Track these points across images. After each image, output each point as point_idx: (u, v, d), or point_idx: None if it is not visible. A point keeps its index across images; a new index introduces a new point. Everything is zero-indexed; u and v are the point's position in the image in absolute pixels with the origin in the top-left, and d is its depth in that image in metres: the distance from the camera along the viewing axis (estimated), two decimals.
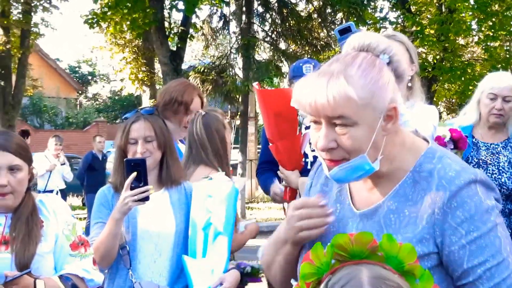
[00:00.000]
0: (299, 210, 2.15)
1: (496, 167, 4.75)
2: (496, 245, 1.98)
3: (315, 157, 5.29)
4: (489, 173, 4.70)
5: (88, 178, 14.78)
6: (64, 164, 14.29)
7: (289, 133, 4.66)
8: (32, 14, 22.56)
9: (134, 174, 3.74)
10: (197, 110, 4.85)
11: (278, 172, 4.88)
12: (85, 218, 15.59)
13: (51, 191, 12.81)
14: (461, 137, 4.52)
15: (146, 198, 3.75)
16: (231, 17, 24.18)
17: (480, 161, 4.78)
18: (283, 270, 2.32)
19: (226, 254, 3.79)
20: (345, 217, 2.23)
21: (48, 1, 22.74)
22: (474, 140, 4.95)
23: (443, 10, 22.02)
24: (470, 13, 22.25)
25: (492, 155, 4.79)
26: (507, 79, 5.00)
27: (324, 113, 2.02)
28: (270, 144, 4.78)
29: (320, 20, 23.99)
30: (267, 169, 5.37)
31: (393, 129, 2.10)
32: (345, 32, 2.25)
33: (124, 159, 3.86)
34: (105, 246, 3.78)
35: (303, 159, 5.27)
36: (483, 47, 23.56)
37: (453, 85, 23.95)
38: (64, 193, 14.34)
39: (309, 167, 5.19)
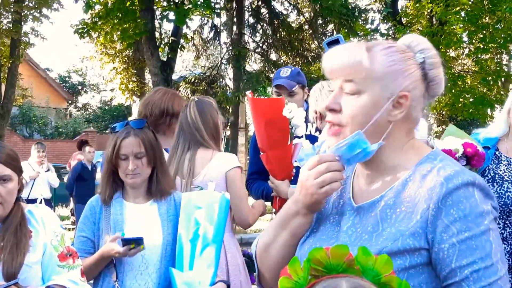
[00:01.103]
0: (316, 167, 2.14)
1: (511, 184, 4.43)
2: (487, 249, 1.96)
3: (297, 168, 5.31)
4: (503, 189, 4.43)
5: (77, 188, 14.72)
6: (48, 170, 14.22)
7: (280, 143, 4.66)
8: (22, 23, 22.56)
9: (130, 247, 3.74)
10: None
11: (268, 181, 4.87)
12: (73, 228, 15.49)
13: (35, 200, 12.68)
14: (476, 153, 4.31)
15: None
16: (222, 28, 24.26)
17: (496, 175, 4.47)
18: (287, 246, 2.31)
19: (213, 267, 3.74)
20: (344, 210, 2.25)
21: (38, 11, 22.74)
22: (497, 153, 4.62)
23: (434, 22, 22.18)
24: (461, 25, 22.42)
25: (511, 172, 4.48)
26: None
27: (338, 74, 2.14)
28: (261, 154, 4.76)
29: (311, 31, 24.09)
30: (257, 179, 5.38)
31: (399, 118, 2.12)
32: (334, 44, 2.26)
33: (122, 240, 3.78)
34: (88, 273, 3.79)
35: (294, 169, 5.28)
36: (474, 59, 23.75)
37: (443, 97, 24.03)
38: (49, 202, 14.24)
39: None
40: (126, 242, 3.71)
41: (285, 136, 4.72)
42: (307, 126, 5.30)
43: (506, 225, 4.41)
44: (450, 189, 1.99)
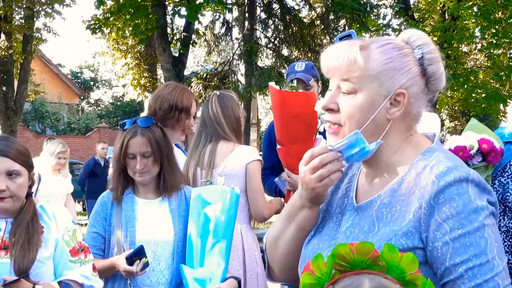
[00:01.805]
0: (310, 162, 2.14)
1: None
2: (481, 245, 1.94)
3: None
4: None
5: (89, 184, 14.76)
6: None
7: (304, 137, 4.63)
8: (35, 19, 22.64)
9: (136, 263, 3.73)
10: (195, 112, 4.89)
11: (283, 174, 4.87)
12: (86, 224, 15.51)
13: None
14: (492, 150, 4.09)
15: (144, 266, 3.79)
16: (233, 23, 24.25)
17: None
18: (294, 239, 2.30)
19: (224, 263, 3.73)
20: (346, 210, 2.25)
21: (50, 7, 22.81)
22: None
23: (446, 17, 22.10)
24: (473, 20, 22.32)
25: None
26: None
27: (334, 73, 2.13)
28: (279, 146, 4.76)
29: (323, 26, 24.03)
30: (270, 175, 5.38)
31: (397, 116, 2.11)
32: (347, 39, 2.24)
33: (126, 258, 3.76)
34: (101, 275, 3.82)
35: None
36: (486, 55, 23.64)
37: (456, 92, 23.98)
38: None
39: None
40: (130, 260, 3.71)
41: (311, 131, 4.72)
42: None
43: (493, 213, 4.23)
44: (441, 186, 1.98)
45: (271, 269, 2.42)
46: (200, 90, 22.92)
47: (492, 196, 2.06)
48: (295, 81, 5.56)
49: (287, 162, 4.81)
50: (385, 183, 2.16)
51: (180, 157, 4.87)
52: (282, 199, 5.08)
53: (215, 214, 3.80)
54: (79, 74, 58.61)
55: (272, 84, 4.80)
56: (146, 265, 3.73)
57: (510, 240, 4.09)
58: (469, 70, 23.20)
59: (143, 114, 4.56)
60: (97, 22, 19.26)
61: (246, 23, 22.34)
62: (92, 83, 58.96)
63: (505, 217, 4.08)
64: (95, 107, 57.48)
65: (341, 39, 2.27)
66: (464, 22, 22.13)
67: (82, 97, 52.97)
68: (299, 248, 2.28)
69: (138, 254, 3.72)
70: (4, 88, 21.83)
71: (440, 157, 2.09)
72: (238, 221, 4.65)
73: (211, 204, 3.82)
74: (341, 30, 23.75)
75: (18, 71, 22.69)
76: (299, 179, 2.20)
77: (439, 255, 1.98)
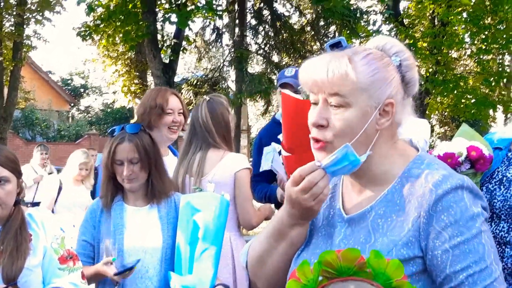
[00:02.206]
0: (300, 183, 2.11)
1: None
2: (480, 251, 1.96)
3: None
4: (509, 193, 4.11)
5: None
6: (51, 173, 14.10)
7: None
8: (25, 26, 22.56)
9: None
10: (178, 108, 4.89)
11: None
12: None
13: (39, 203, 12.59)
14: (481, 157, 4.13)
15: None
16: (224, 30, 24.27)
17: (504, 178, 4.15)
18: (286, 256, 2.27)
19: (213, 270, 3.72)
20: (335, 222, 2.23)
21: (40, 14, 22.75)
22: (509, 154, 4.29)
23: (436, 23, 22.15)
24: (463, 26, 22.41)
25: None
26: None
27: (322, 88, 2.07)
28: (286, 154, 4.71)
29: (313, 32, 24.09)
30: (260, 181, 5.40)
31: (386, 126, 2.11)
32: (336, 46, 2.24)
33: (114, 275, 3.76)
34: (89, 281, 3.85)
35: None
36: (476, 60, 23.71)
37: (445, 98, 24.03)
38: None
39: None
40: (120, 272, 3.72)
41: None
42: None
43: (510, 229, 4.17)
44: (439, 195, 1.99)
45: (254, 284, 2.40)
46: (191, 96, 22.93)
47: (484, 201, 2.08)
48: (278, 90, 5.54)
49: (295, 168, 4.80)
50: (376, 193, 2.15)
51: (173, 163, 4.88)
52: (273, 205, 5.08)
53: (204, 221, 3.77)
54: (69, 81, 58.48)
55: (285, 91, 4.76)
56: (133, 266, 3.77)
57: (497, 247, 4.02)
58: (458, 75, 23.26)
59: (133, 121, 4.57)
60: (87, 29, 19.25)
61: (237, 29, 22.35)
62: (82, 90, 58.85)
63: (492, 224, 4.10)
64: (85, 114, 57.34)
65: (331, 46, 2.25)
66: (454, 28, 22.20)
67: (72, 104, 52.86)
68: (289, 264, 2.26)
69: (130, 269, 3.74)
70: None
71: (433, 165, 2.11)
72: (227, 229, 4.63)
73: (200, 211, 3.79)
74: (331, 36, 23.80)
75: (8, 78, 22.61)
76: (287, 199, 2.16)
77: (439, 263, 1.98)
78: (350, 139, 2.05)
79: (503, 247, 4.09)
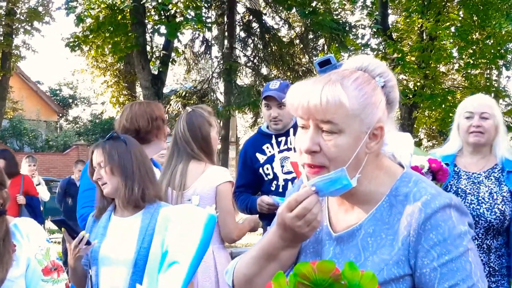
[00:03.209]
0: (296, 209, 2.09)
1: (475, 197, 4.56)
2: (467, 269, 1.98)
3: (286, 180, 5.37)
4: (467, 203, 4.54)
5: (65, 203, 14.59)
6: (39, 184, 14.05)
7: None
8: (14, 36, 22.53)
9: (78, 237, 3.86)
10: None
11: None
12: (59, 242, 15.33)
13: None
14: (440, 169, 4.36)
15: (88, 242, 3.87)
16: (213, 42, 24.31)
17: (459, 190, 4.62)
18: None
19: (180, 285, 3.52)
20: (323, 240, 2.24)
21: (29, 24, 22.73)
22: (456, 169, 4.78)
23: (424, 37, 22.25)
24: (451, 40, 22.50)
25: (472, 185, 4.63)
26: (482, 97, 4.89)
27: (315, 115, 2.04)
28: (294, 160, 4.76)
29: (302, 45, 24.15)
30: (244, 192, 5.46)
31: (376, 149, 2.12)
32: (325, 64, 2.24)
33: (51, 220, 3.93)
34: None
35: (275, 182, 5.38)
36: (464, 75, 23.84)
37: (433, 112, 24.14)
38: (40, 215, 14.08)
39: (280, 190, 5.28)
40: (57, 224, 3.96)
41: None
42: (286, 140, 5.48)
43: (473, 237, 4.40)
44: (428, 214, 2.01)
45: None
46: (179, 108, 22.91)
47: (470, 218, 2.09)
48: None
49: None
50: (365, 212, 2.15)
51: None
52: (257, 216, 5.09)
53: (178, 235, 3.63)
54: (58, 91, 58.32)
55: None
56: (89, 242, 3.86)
57: None
58: (446, 90, 23.33)
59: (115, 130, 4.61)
60: (76, 39, 19.19)
61: (226, 41, 22.38)
62: (70, 100, 58.68)
63: None
64: (73, 125, 57.15)
65: (320, 63, 2.26)
66: (442, 42, 22.29)
67: (60, 115, 52.69)
68: None
69: (60, 222, 3.92)
70: None
71: (420, 184, 2.11)
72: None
73: (177, 224, 3.66)
74: (320, 49, 23.89)
75: None
76: (280, 223, 2.15)
77: (427, 280, 2.00)
78: (343, 164, 2.04)
79: None
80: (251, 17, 23.67)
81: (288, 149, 5.43)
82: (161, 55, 20.50)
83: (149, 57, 20.02)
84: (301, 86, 2.10)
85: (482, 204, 4.52)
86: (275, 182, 5.44)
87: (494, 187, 4.58)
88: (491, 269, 4.50)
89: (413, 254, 2.02)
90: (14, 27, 22.35)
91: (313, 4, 20.53)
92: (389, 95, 2.17)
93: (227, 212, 4.71)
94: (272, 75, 23.68)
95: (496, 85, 27.06)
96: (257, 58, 23.94)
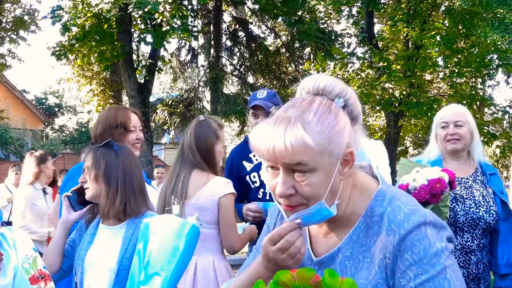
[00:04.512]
0: (279, 242, 2.09)
1: (472, 201, 4.74)
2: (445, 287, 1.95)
3: None
4: (466, 207, 4.71)
5: None
6: None
7: None
8: None
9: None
10: (138, 125, 4.90)
11: None
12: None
13: (11, 223, 12.46)
14: (454, 177, 4.54)
15: (84, 203, 4.04)
16: (199, 51, 24.35)
17: (457, 195, 4.76)
18: None
19: None
20: (304, 264, 2.22)
21: (15, 33, 22.66)
22: None
23: (410, 46, 22.32)
24: (436, 49, 22.60)
25: (465, 189, 4.79)
26: (455, 106, 5.14)
27: (282, 160, 1.99)
28: None
29: (288, 54, 24.20)
30: None
31: (349, 173, 2.09)
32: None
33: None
34: (47, 251, 4.07)
35: (262, 190, 5.39)
36: (449, 83, 23.92)
37: (419, 120, 24.18)
38: None
39: (267, 198, 5.29)
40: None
41: None
42: None
43: (473, 238, 4.71)
44: (402, 235, 1.99)
45: None
46: (166, 116, 22.91)
47: (448, 231, 2.06)
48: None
49: None
50: (342, 234, 2.15)
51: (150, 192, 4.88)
52: (255, 225, 5.09)
53: (159, 245, 3.54)
54: (43, 100, 58.01)
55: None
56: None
57: (464, 256, 4.67)
58: (432, 98, 23.38)
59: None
60: (62, 48, 19.14)
61: (212, 50, 22.44)
62: (56, 109, 58.38)
63: (457, 237, 4.64)
64: (59, 133, 56.91)
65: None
66: (427, 51, 22.38)
67: (46, 123, 52.46)
68: None
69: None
70: None
71: (394, 203, 2.09)
72: (210, 251, 4.70)
73: (156, 235, 3.56)
74: (306, 58, 23.95)
75: None
76: (264, 256, 2.14)
77: None
78: (320, 198, 2.02)
79: (469, 255, 4.65)
80: (237, 26, 23.73)
81: None
82: (148, 63, 20.49)
83: (135, 66, 20.02)
84: (262, 130, 2.06)
85: (480, 207, 4.70)
86: (261, 190, 5.45)
87: (483, 190, 4.81)
88: (483, 266, 4.74)
89: (390, 275, 2.01)
90: None
91: (299, 13, 20.63)
92: (352, 112, 2.12)
93: (230, 225, 4.74)
94: (259, 84, 23.74)
95: (481, 93, 27.21)
96: (243, 66, 24.00)
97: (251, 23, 24.64)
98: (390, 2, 24.31)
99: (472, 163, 4.98)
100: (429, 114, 21.43)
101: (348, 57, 23.15)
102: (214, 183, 4.72)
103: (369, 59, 22.76)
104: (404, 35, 22.49)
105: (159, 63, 21.31)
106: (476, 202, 4.74)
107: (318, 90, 2.12)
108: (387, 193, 2.14)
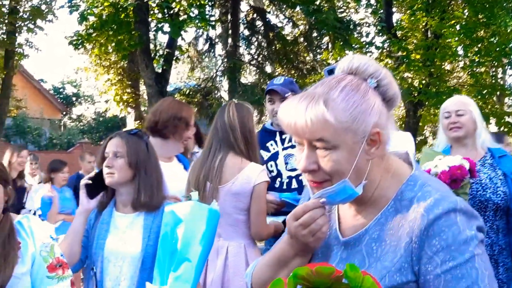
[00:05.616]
0: (301, 217, 2.11)
1: (479, 184, 4.95)
2: (473, 276, 1.92)
3: (289, 177, 5.33)
4: (473, 191, 4.91)
5: (76, 200, 14.52)
6: (41, 182, 14.05)
7: None
8: (17, 34, 22.54)
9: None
10: (193, 124, 5.03)
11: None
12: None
13: (29, 212, 12.50)
14: (475, 166, 4.68)
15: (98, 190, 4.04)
16: (217, 40, 24.28)
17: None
18: None
19: (190, 283, 3.52)
20: (332, 244, 2.23)
21: (32, 22, 22.73)
22: None
23: (429, 35, 22.20)
24: (456, 38, 22.43)
25: None
26: (458, 97, 5.52)
27: (304, 135, 2.04)
28: None
29: (306, 44, 24.10)
30: None
31: (377, 154, 2.08)
32: (334, 72, 2.20)
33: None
34: (66, 240, 4.00)
35: (279, 179, 5.35)
36: (469, 73, 23.76)
37: (438, 110, 24.04)
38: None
39: (284, 187, 5.25)
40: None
41: None
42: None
43: (485, 220, 4.89)
44: (431, 220, 1.96)
45: None
46: None
47: (480, 220, 2.03)
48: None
49: None
50: (370, 217, 2.13)
51: (176, 169, 4.88)
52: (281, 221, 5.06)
53: (185, 232, 3.57)
54: (61, 90, 58.35)
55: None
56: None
57: None
58: (452, 88, 23.23)
59: (126, 129, 4.60)
60: (79, 37, 19.19)
61: (230, 39, 22.38)
62: (74, 98, 58.73)
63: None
64: (77, 123, 57.19)
65: (329, 71, 2.22)
66: (447, 41, 22.24)
67: (64, 113, 52.77)
68: None
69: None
70: None
71: (426, 188, 2.07)
72: (241, 237, 4.72)
73: (182, 222, 3.59)
74: (324, 47, 23.85)
75: (0, 86, 22.57)
76: (288, 232, 2.17)
77: (431, 287, 1.95)
78: (344, 176, 2.03)
79: None
80: (255, 15, 23.64)
81: (292, 146, 5.42)
82: (165, 53, 20.51)
83: (152, 55, 20.04)
84: (288, 105, 2.08)
85: (487, 190, 4.96)
86: (279, 179, 5.43)
87: (491, 172, 5.08)
88: (499, 247, 4.94)
89: (416, 261, 1.98)
90: (17, 25, 22.33)
91: (317, 2, 20.54)
92: (386, 93, 2.11)
93: (260, 212, 4.75)
94: (276, 73, 23.69)
95: (501, 83, 27.03)
96: (261, 56, 23.93)
97: (269, 12, 24.59)
98: None
99: (479, 149, 5.22)
100: None
101: (367, 46, 23.03)
102: (249, 169, 4.70)
103: (387, 49, 22.64)
104: (423, 24, 22.36)
105: (177, 52, 21.33)
106: (483, 184, 4.97)
107: (352, 70, 2.13)
108: (419, 179, 2.13)
